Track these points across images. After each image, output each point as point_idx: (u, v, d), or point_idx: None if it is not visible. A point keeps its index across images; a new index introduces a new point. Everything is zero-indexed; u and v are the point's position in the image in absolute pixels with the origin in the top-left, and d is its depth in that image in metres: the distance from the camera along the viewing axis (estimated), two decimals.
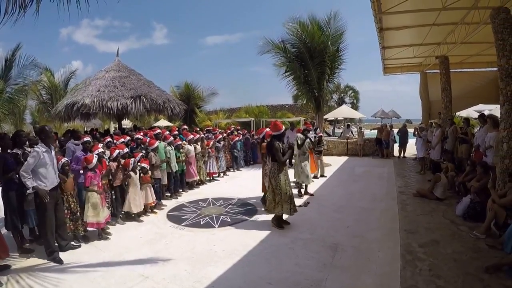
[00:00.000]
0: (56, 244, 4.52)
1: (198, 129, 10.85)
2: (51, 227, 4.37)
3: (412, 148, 13.13)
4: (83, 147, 5.59)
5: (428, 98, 14.61)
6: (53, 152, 4.44)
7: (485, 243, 4.36)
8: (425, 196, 6.83)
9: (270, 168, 5.41)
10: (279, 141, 5.37)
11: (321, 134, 11.39)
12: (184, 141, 8.20)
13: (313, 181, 8.10)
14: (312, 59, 12.56)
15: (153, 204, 6.47)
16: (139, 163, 6.10)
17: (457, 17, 8.43)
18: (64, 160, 4.84)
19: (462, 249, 4.26)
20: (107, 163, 5.72)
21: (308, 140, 7.40)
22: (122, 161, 5.95)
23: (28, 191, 4.19)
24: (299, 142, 7.25)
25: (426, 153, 10.23)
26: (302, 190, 7.57)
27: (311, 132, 7.95)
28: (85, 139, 5.66)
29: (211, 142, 9.49)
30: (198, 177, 8.66)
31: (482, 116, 7.54)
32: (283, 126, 5.56)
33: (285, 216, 5.51)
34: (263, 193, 6.58)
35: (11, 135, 5.30)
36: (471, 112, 18.72)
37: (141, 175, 6.10)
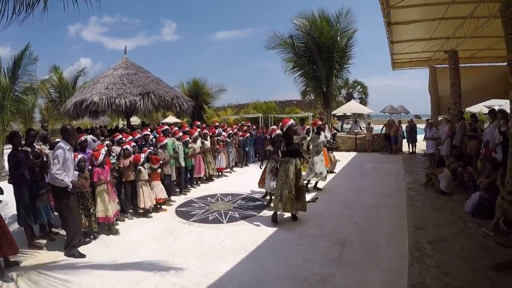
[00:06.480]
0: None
1: (205, 126, 10.84)
2: (75, 222, 4.47)
3: (422, 143, 13.01)
4: (80, 147, 5.50)
5: (437, 93, 14.46)
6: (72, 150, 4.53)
7: (494, 241, 4.31)
8: (429, 177, 7.20)
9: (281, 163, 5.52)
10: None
11: (335, 130, 11.37)
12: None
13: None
14: (320, 54, 12.50)
15: (163, 200, 6.51)
16: (148, 162, 6.16)
17: (466, 11, 8.34)
18: (80, 156, 4.89)
19: (470, 246, 4.21)
20: (110, 160, 5.74)
21: (323, 138, 7.28)
22: (132, 156, 6.03)
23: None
24: (309, 141, 7.14)
25: (435, 149, 10.13)
26: (310, 186, 7.46)
27: (326, 130, 7.75)
28: (82, 138, 5.65)
29: (217, 138, 9.48)
30: (204, 173, 8.64)
31: (492, 112, 7.42)
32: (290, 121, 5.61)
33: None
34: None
35: (21, 133, 5.34)
36: (482, 108, 18.49)
37: (151, 171, 6.16)
